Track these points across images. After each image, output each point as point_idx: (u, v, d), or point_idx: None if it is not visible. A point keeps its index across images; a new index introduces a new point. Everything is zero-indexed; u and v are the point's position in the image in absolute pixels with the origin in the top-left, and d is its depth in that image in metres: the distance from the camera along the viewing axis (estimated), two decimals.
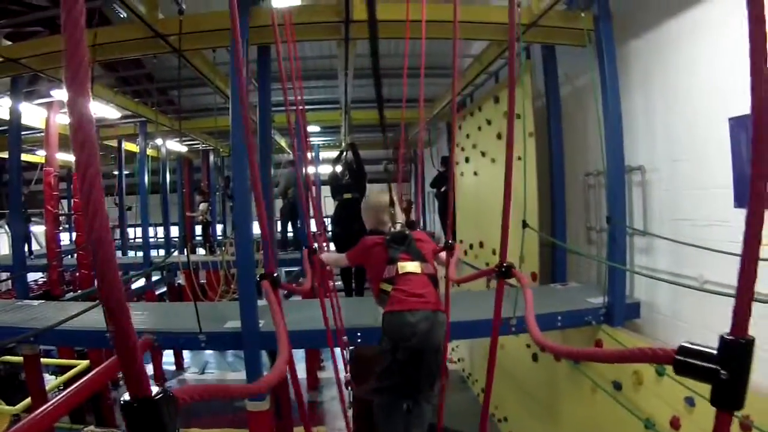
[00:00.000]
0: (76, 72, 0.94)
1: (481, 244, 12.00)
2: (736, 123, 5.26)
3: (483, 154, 11.61)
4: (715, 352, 1.18)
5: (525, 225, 7.28)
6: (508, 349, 10.13)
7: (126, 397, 1.00)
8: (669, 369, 4.48)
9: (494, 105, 10.63)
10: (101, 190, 0.94)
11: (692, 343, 1.21)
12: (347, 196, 9.80)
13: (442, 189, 14.76)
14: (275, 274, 2.88)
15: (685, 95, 6.12)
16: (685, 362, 1.23)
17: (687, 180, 6.14)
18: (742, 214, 4.13)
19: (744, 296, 1.16)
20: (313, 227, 6.60)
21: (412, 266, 3.91)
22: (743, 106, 5.15)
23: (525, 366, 9.46)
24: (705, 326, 5.65)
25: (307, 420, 3.75)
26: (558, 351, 1.91)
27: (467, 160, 13.15)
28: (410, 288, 3.78)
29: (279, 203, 15.39)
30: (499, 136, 10.42)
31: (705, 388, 3.67)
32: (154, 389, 1.01)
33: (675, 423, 5.31)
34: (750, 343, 1.14)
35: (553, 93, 8.88)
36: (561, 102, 8.89)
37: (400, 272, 3.88)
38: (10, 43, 8.27)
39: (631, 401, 6.02)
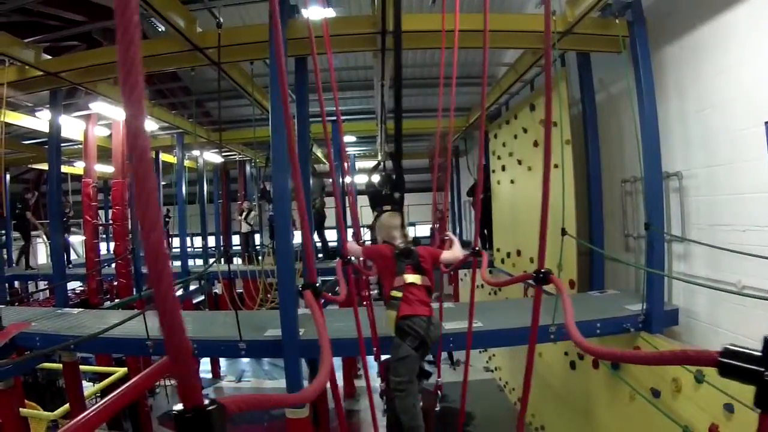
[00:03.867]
0: (132, 91, 0.98)
1: (518, 253, 11.99)
2: None
3: (519, 162, 11.61)
4: (759, 353, 1.18)
5: (564, 233, 7.29)
6: (546, 358, 10.09)
7: (179, 407, 1.04)
8: (708, 376, 4.46)
9: (530, 113, 10.63)
10: (157, 201, 1.00)
11: (735, 345, 1.23)
12: (387, 208, 9.81)
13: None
14: (317, 284, 3.04)
15: (720, 100, 6.09)
16: (729, 364, 1.20)
17: (724, 185, 6.10)
18: None
19: None
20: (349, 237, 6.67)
21: (415, 278, 4.87)
22: None
23: (562, 374, 9.42)
24: (744, 333, 5.59)
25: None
26: (602, 355, 1.93)
27: (503, 168, 13.15)
28: (416, 297, 4.81)
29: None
30: (535, 144, 10.42)
31: (744, 395, 3.65)
32: (206, 400, 1.05)
33: (713, 430, 5.25)
34: None
35: (588, 100, 8.86)
36: (597, 109, 8.86)
37: (405, 281, 4.85)
38: (49, 57, 8.49)
39: (669, 408, 5.95)
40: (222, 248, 18.60)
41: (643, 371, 6.62)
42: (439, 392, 5.83)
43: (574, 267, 8.83)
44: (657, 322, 6.73)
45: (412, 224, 24.53)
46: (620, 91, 8.16)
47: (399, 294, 4.84)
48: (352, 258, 5.28)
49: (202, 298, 18.11)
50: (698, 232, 6.54)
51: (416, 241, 5.44)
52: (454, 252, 5.26)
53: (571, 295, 8.36)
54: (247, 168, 22.97)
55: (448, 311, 7.23)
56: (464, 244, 16.73)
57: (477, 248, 4.71)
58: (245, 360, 18.04)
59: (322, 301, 3.53)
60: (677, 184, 6.95)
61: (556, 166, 8.32)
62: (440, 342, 5.57)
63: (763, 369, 1.15)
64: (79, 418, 4.00)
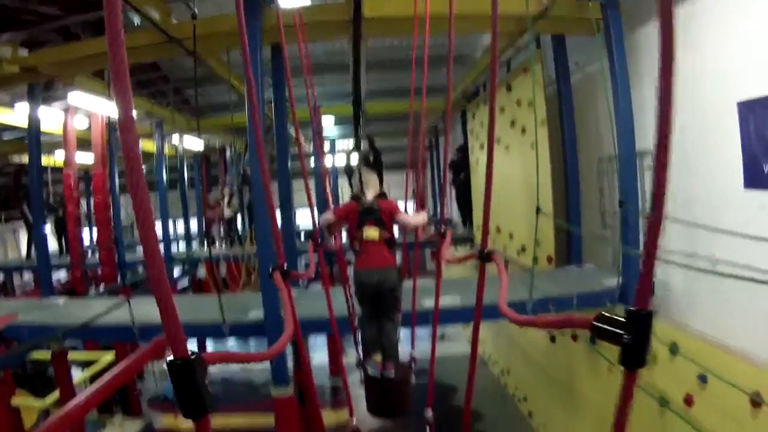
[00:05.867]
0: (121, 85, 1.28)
1: (498, 230, 12.13)
2: (744, 107, 5.36)
3: (497, 141, 11.73)
4: (623, 320, 1.43)
5: (538, 211, 7.44)
6: (528, 332, 10.30)
7: (170, 357, 1.41)
8: (682, 348, 4.65)
9: (507, 93, 10.74)
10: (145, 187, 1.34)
11: (608, 313, 1.46)
12: None
13: (460, 176, 14.98)
14: (285, 266, 3.33)
15: (693, 80, 6.14)
16: (599, 327, 1.51)
17: (698, 163, 6.20)
18: (752, 195, 4.30)
19: (645, 276, 1.45)
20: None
21: (373, 232, 5.46)
22: (751, 90, 5.26)
23: (544, 347, 9.67)
24: (718, 305, 5.79)
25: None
26: (520, 321, 2.25)
27: (482, 146, 13.29)
28: (369, 250, 5.46)
29: None
30: (512, 124, 10.54)
31: (717, 367, 3.84)
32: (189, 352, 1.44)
33: (689, 400, 5.46)
34: (649, 314, 1.40)
35: (563, 81, 9.00)
36: (572, 89, 9.00)
37: (363, 236, 5.48)
38: (26, 52, 8.50)
39: (645, 380, 6.14)
40: (204, 233, 18.52)
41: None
42: (413, 364, 5.96)
43: (552, 243, 9.04)
44: (632, 294, 6.85)
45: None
46: (596, 72, 8.25)
47: (357, 246, 5.59)
48: (324, 230, 5.88)
49: (186, 283, 18.18)
50: (674, 208, 6.50)
51: (384, 195, 5.87)
52: (413, 218, 5.76)
53: (549, 271, 8.58)
54: (227, 153, 22.80)
55: (427, 288, 7.37)
56: (447, 221, 16.79)
57: (443, 230, 5.04)
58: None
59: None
60: (651, 161, 7.02)
61: (532, 146, 8.47)
62: (413, 311, 6.13)
63: (623, 332, 1.41)
64: (70, 403, 4.07)
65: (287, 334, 2.52)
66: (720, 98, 5.71)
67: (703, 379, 5.27)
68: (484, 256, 3.16)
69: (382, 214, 5.51)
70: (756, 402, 4.68)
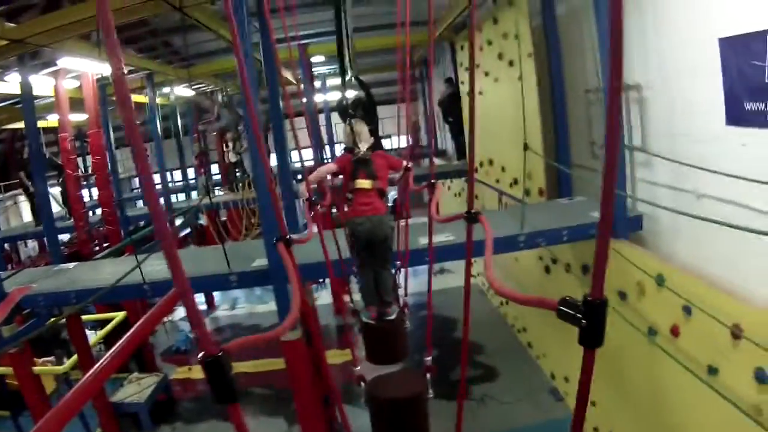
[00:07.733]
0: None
1: (491, 162, 12.26)
2: (726, 43, 5.40)
3: (486, 74, 11.72)
4: (581, 306, 1.64)
5: (526, 147, 7.56)
6: (522, 262, 10.55)
7: (201, 354, 1.71)
8: (668, 280, 4.89)
9: (493, 26, 10.70)
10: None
11: (571, 299, 1.70)
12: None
13: (450, 116, 15.23)
14: (288, 236, 3.49)
15: (676, 15, 6.18)
16: (563, 311, 1.71)
17: (681, 98, 6.27)
18: (733, 131, 4.45)
19: (599, 268, 1.64)
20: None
21: (366, 183, 5.58)
22: (732, 27, 5.27)
23: (538, 277, 9.97)
24: (699, 237, 5.99)
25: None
26: (502, 292, 2.35)
27: None
28: (361, 200, 5.58)
29: None
30: (500, 57, 10.53)
31: (700, 298, 4.08)
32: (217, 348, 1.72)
33: (675, 330, 5.74)
34: (603, 303, 1.61)
35: (549, 12, 8.95)
36: (558, 20, 8.95)
37: (356, 187, 5.58)
38: (12, 25, 8.56)
39: (635, 310, 6.41)
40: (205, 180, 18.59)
41: (610, 274, 6.99)
42: (406, 310, 6.12)
43: (543, 175, 9.22)
44: (621, 227, 7.06)
45: (388, 137, 24.82)
46: (582, 2, 8.19)
47: (350, 196, 5.66)
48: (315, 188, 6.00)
49: (188, 230, 18.35)
50: (658, 142, 6.74)
51: (376, 146, 6.05)
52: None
53: (540, 203, 8.74)
54: (219, 97, 22.61)
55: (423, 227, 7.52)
56: (440, 153, 17.12)
57: (433, 181, 5.26)
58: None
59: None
60: (637, 95, 7.10)
61: (519, 78, 8.51)
62: (406, 255, 6.48)
63: (581, 317, 1.63)
64: (94, 369, 4.20)
65: (294, 310, 2.68)
66: (701, 34, 5.71)
67: (687, 310, 5.52)
68: (471, 217, 3.23)
69: (374, 165, 5.65)
70: (736, 334, 4.91)
